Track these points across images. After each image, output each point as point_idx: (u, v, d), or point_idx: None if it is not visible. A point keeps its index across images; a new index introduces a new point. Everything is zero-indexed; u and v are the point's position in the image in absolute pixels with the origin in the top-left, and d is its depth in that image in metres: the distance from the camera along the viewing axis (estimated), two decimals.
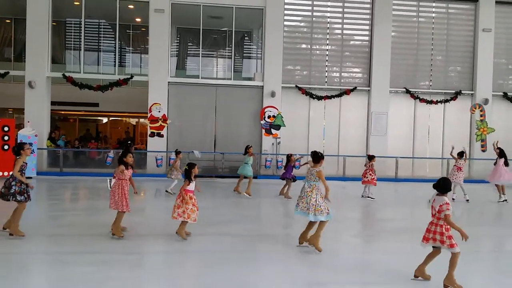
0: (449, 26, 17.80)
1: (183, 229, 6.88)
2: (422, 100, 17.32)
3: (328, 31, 17.46)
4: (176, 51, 17.93)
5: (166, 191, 11.50)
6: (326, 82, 17.37)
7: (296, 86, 16.92)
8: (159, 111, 15.94)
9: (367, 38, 17.40)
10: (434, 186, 5.30)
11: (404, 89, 17.33)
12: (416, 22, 17.73)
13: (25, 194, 6.71)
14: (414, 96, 17.32)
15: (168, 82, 16.27)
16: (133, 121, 24.32)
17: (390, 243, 7.38)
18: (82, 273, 5.32)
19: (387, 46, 17.03)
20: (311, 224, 6.56)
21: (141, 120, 22.70)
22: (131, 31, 18.57)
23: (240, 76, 17.94)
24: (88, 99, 18.85)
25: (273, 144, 16.48)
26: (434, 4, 17.71)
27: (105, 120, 24.13)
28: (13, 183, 6.62)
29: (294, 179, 11.59)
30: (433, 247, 5.26)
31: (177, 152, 11.82)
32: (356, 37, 17.70)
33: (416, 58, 17.69)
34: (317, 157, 6.49)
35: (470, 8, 17.78)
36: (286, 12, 16.97)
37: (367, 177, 11.66)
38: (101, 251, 6.20)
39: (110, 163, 14.75)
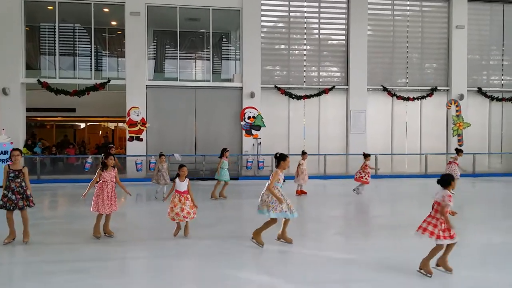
0: (423, 24, 18.11)
1: (188, 228, 7.23)
2: (399, 97, 17.57)
3: (305, 31, 17.57)
4: (154, 54, 17.77)
5: (156, 197, 11.33)
6: (305, 81, 17.47)
7: (275, 87, 16.98)
8: (138, 115, 15.78)
9: (343, 37, 17.56)
10: (438, 182, 5.53)
11: (381, 87, 17.56)
12: (391, 20, 17.98)
13: (3, 201, 6.66)
14: (391, 94, 17.56)
15: (146, 85, 16.13)
16: (111, 125, 24.01)
17: (372, 240, 7.45)
18: (64, 282, 5.21)
19: (364, 45, 17.23)
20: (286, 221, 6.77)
21: (120, 124, 22.45)
22: (107, 35, 18.36)
23: (219, 77, 17.92)
24: (64, 105, 18.54)
25: (253, 144, 16.49)
26: (408, 3, 17.99)
27: (82, 125, 23.77)
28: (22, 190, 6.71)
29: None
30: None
31: (161, 155, 11.55)
32: (333, 37, 17.84)
33: (392, 56, 17.94)
34: (278, 159, 6.67)
35: (443, 6, 18.12)
36: (263, 13, 17.01)
37: (357, 175, 11.77)
38: (82, 259, 6.09)
39: (88, 168, 14.54)
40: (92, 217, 6.84)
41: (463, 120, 17.71)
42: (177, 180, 7.14)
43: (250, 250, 6.61)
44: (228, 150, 11.70)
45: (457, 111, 17.72)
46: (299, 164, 11.99)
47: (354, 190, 11.88)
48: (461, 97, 17.71)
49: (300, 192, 12.00)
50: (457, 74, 17.79)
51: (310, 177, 12.24)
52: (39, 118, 21.40)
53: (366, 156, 11.96)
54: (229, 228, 8.11)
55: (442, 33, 18.07)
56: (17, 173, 6.71)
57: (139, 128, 15.81)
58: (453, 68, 17.78)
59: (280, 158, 6.65)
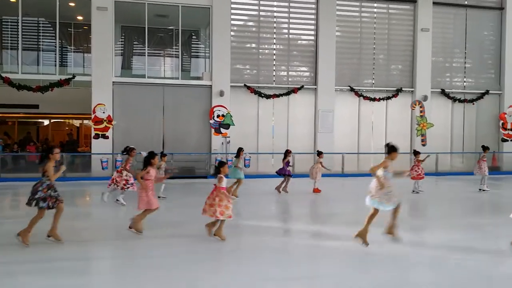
0: (390, 26, 18.52)
1: (222, 229, 6.87)
2: (365, 98, 17.91)
3: (275, 31, 17.66)
4: (121, 50, 17.46)
5: (159, 196, 11.05)
6: (274, 81, 17.56)
7: (245, 85, 16.99)
8: (104, 112, 15.46)
9: (313, 37, 17.75)
10: None
11: (349, 87, 17.86)
12: (359, 22, 18.30)
13: (49, 202, 6.40)
14: (358, 94, 17.88)
15: (113, 82, 15.82)
16: (76, 122, 23.43)
17: (340, 236, 7.57)
18: (28, 283, 5.07)
19: (332, 46, 17.47)
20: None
21: (85, 121, 21.93)
22: (72, 30, 17.89)
23: (188, 75, 17.78)
24: (27, 101, 17.91)
25: (222, 143, 16.45)
26: (375, 5, 18.35)
27: (46, 122, 23.08)
28: (40, 188, 6.40)
29: (291, 175, 12.05)
30: None
31: (163, 155, 11.34)
32: (302, 37, 18.01)
33: (359, 57, 18.26)
34: (389, 149, 6.83)
35: (409, 9, 18.57)
36: (233, 11, 16.98)
37: (412, 174, 12.18)
38: (46, 259, 5.93)
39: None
40: (51, 217, 6.63)
41: (426, 121, 18.22)
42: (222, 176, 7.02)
43: (221, 247, 6.60)
44: (243, 150, 11.66)
45: (421, 111, 18.21)
46: (317, 163, 12.28)
47: (413, 191, 12.33)
48: (425, 98, 18.21)
49: (316, 190, 12.23)
50: (422, 75, 18.28)
51: (278, 176, 12.32)
52: (0, 115, 20.65)
53: (416, 153, 12.52)
54: (202, 227, 8.02)
55: (407, 35, 18.52)
56: None
57: (105, 125, 15.49)
58: (417, 69, 18.26)
59: (393, 149, 6.74)
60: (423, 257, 6.34)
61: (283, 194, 11.96)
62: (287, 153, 12.20)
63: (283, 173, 12.05)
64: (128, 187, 9.83)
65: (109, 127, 15.56)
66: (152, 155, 7.30)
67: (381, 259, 6.14)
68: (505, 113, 19.00)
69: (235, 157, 11.72)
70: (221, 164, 7.17)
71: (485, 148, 12.91)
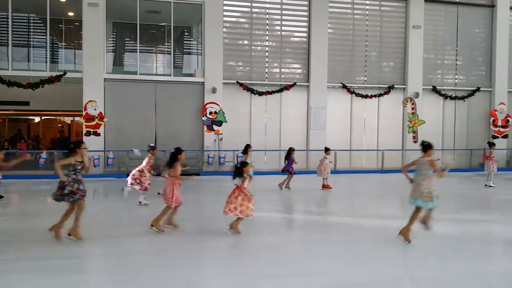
0: (382, 23, 18.56)
1: (238, 224, 7.01)
2: (357, 95, 17.96)
3: (267, 28, 17.64)
4: (113, 46, 17.35)
5: (159, 193, 10.97)
6: (266, 78, 17.55)
7: (237, 82, 16.96)
8: (95, 109, 15.36)
9: (305, 34, 17.75)
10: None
11: (341, 84, 17.89)
12: (351, 19, 18.33)
13: (77, 194, 6.40)
14: (350, 91, 17.93)
15: (104, 78, 15.72)
16: (67, 119, 23.25)
17: (335, 235, 7.60)
18: (19, 281, 5.03)
19: (324, 43, 17.48)
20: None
21: (76, 118, 21.76)
22: (63, 26, 17.77)
23: (180, 72, 17.72)
24: (17, 98, 17.73)
25: (215, 140, 16.42)
26: (367, 2, 18.39)
27: (37, 119, 22.89)
28: (66, 183, 6.37)
29: (293, 172, 12.21)
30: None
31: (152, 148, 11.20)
32: (295, 34, 18.00)
33: (351, 54, 18.30)
34: (425, 147, 6.72)
35: (401, 6, 18.62)
36: (225, 7, 16.92)
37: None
38: (37, 257, 5.88)
39: (43, 164, 14.03)
40: (44, 214, 6.61)
41: (418, 118, 18.33)
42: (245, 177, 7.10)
43: (211, 244, 6.60)
44: (251, 146, 11.85)
45: (412, 108, 18.31)
46: (323, 159, 12.48)
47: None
48: (417, 95, 18.31)
49: (326, 186, 12.41)
50: (413, 73, 18.36)
51: (270, 173, 12.34)
52: None
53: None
54: (192, 224, 8.01)
55: (399, 32, 18.59)
56: None
57: (97, 122, 15.39)
58: (409, 67, 18.34)
59: (429, 147, 6.74)
60: (421, 252, 6.40)
61: (285, 191, 12.04)
62: (291, 151, 12.36)
63: (286, 169, 12.26)
64: (146, 188, 9.64)
65: (100, 124, 15.47)
66: (179, 151, 7.34)
67: (378, 255, 6.17)
68: (496, 110, 19.15)
69: (243, 153, 11.90)
70: (244, 164, 7.24)
71: (491, 144, 13.14)
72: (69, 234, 6.53)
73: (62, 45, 17.60)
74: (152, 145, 10.10)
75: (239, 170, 7.02)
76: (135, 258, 6.00)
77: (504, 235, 7.59)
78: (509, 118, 19.18)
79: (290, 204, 10.95)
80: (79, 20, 15.76)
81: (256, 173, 12.25)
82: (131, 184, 9.64)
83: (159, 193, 9.90)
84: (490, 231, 8.03)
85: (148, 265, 5.69)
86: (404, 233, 6.65)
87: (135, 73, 16.46)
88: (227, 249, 6.64)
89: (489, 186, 13.16)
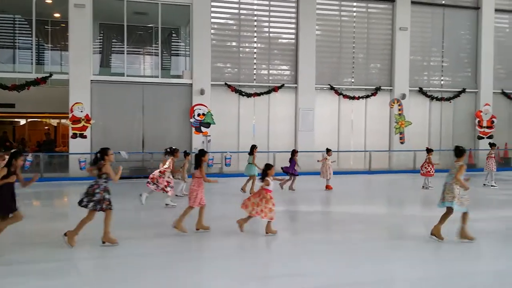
0: (369, 25, 18.70)
1: (270, 226, 7.18)
2: (345, 96, 18.06)
3: (255, 29, 17.66)
4: (99, 48, 17.23)
5: (176, 195, 10.91)
6: (255, 79, 17.56)
7: (226, 84, 16.95)
8: (82, 111, 15.23)
9: (293, 36, 17.80)
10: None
11: (329, 86, 17.98)
12: (339, 21, 18.44)
13: (102, 205, 6.39)
14: (338, 93, 18.02)
15: (91, 80, 15.59)
16: (54, 122, 23.00)
17: (322, 236, 7.63)
18: (8, 284, 4.99)
19: (312, 44, 17.55)
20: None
21: (63, 120, 21.55)
22: (49, 27, 17.59)
23: (168, 73, 17.64)
24: (3, 100, 17.53)
25: (203, 142, 16.37)
26: (355, 4, 18.51)
27: (23, 121, 22.62)
28: (97, 190, 6.37)
29: (296, 174, 12.37)
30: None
31: (186, 154, 11.46)
32: (283, 35, 18.04)
33: (339, 56, 18.40)
34: (459, 152, 7.01)
35: (388, 8, 18.78)
36: (213, 9, 16.90)
37: (422, 170, 13.05)
38: (21, 261, 5.83)
39: (28, 167, 13.86)
40: (31, 218, 6.53)
41: (404, 119, 18.48)
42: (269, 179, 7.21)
43: (204, 246, 6.58)
44: (257, 147, 12.12)
45: (399, 110, 18.46)
46: (324, 160, 12.79)
47: (423, 186, 13.03)
48: (403, 96, 18.46)
49: (327, 187, 12.70)
50: (400, 74, 18.52)
51: (259, 174, 12.30)
52: None
53: (429, 151, 13.07)
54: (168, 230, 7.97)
55: (386, 34, 18.74)
56: None
57: (83, 124, 15.25)
58: (396, 68, 18.49)
59: (464, 151, 7.05)
60: (408, 253, 6.46)
61: (289, 193, 12.15)
62: (294, 153, 12.52)
63: (289, 171, 12.36)
64: (167, 190, 9.62)
65: (87, 126, 15.33)
66: (203, 152, 7.46)
67: (365, 257, 6.22)
68: (481, 111, 19.41)
69: (249, 154, 12.04)
70: (268, 166, 7.31)
71: (492, 145, 13.39)
72: (103, 242, 6.51)
73: (48, 47, 17.42)
74: (173, 147, 10.05)
75: (264, 172, 7.22)
76: (124, 260, 5.98)
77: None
78: (494, 119, 19.44)
79: (292, 204, 10.94)
80: (66, 21, 15.63)
81: (245, 175, 12.24)
82: (147, 182, 9.69)
83: (166, 204, 9.90)
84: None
85: (137, 266, 5.68)
86: (436, 232, 6.91)
87: (122, 74, 16.36)
88: (223, 249, 6.62)
89: (491, 186, 13.60)
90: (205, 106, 16.44)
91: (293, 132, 17.64)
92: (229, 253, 6.49)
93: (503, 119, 19.94)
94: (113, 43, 17.51)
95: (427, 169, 12.95)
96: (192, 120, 16.35)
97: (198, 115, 16.37)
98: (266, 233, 7.20)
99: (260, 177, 7.37)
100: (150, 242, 6.88)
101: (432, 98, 19.07)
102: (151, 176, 9.67)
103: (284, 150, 16.98)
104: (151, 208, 9.89)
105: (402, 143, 18.38)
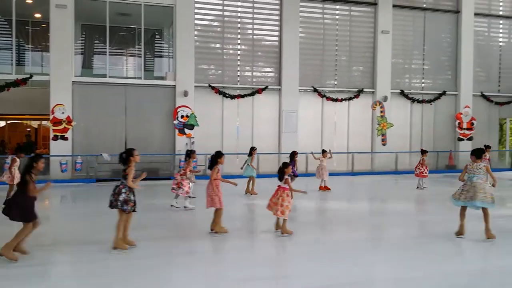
0: (351, 28, 18.88)
1: (285, 226, 7.28)
2: (328, 98, 18.20)
3: (239, 31, 17.68)
4: (81, 49, 17.03)
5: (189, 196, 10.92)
6: (238, 81, 17.58)
7: (209, 86, 16.93)
8: (63, 113, 15.04)
9: (277, 38, 17.88)
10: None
11: (312, 88, 18.10)
12: (322, 23, 18.58)
13: (129, 206, 6.34)
14: (321, 95, 18.15)
15: (73, 81, 15.42)
16: (34, 124, 22.66)
17: (301, 237, 7.68)
18: None
19: (296, 47, 17.65)
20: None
21: (44, 122, 21.25)
22: (30, 28, 17.32)
23: (151, 75, 17.54)
24: None
25: (187, 144, 16.32)
26: (337, 7, 18.68)
27: (2, 123, 22.23)
28: (123, 190, 6.30)
29: (296, 175, 12.42)
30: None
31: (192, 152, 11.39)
32: (266, 37, 18.09)
33: (322, 58, 18.54)
34: (480, 153, 7.30)
35: (370, 11, 19.00)
36: (196, 10, 16.88)
37: (416, 171, 13.42)
38: (1, 266, 5.72)
39: (6, 170, 13.59)
40: (9, 224, 6.42)
41: (386, 121, 18.70)
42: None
43: (185, 249, 6.56)
44: (256, 149, 12.35)
45: (381, 112, 18.67)
46: (320, 161, 13.06)
47: (417, 187, 13.34)
48: (385, 98, 18.69)
49: (324, 188, 12.94)
50: (382, 77, 18.74)
51: (243, 176, 12.36)
52: None
53: (424, 152, 13.41)
54: (163, 231, 7.93)
55: (368, 37, 18.95)
56: None
57: (64, 126, 15.06)
58: (378, 71, 18.71)
59: (482, 151, 7.40)
60: (388, 253, 6.54)
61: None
62: (294, 154, 12.62)
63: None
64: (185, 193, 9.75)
65: (68, 128, 15.15)
66: (220, 154, 7.53)
67: (350, 257, 6.28)
68: (461, 113, 19.75)
69: (248, 155, 12.23)
70: (285, 165, 7.44)
71: (486, 147, 13.67)
72: (115, 248, 6.36)
73: (28, 47, 17.15)
74: (192, 149, 10.14)
75: (280, 171, 7.34)
76: (102, 264, 5.92)
77: None
78: (473, 121, 19.80)
79: (255, 209, 10.95)
80: (47, 22, 15.42)
81: (228, 176, 12.23)
82: (172, 188, 9.75)
83: (171, 205, 9.89)
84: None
85: (115, 270, 5.62)
86: (488, 235, 7.16)
87: (104, 76, 16.20)
88: (205, 253, 6.61)
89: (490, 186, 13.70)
90: (189, 108, 16.40)
91: (277, 134, 17.71)
92: (210, 255, 6.49)
93: (482, 121, 20.33)
94: (95, 44, 17.34)
95: (420, 170, 13.28)
96: (175, 122, 16.28)
97: (182, 117, 16.31)
98: (282, 233, 7.29)
99: (278, 176, 7.45)
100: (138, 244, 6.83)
101: (413, 100, 19.35)
102: (174, 182, 9.79)
103: (268, 152, 17.11)
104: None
105: (384, 144, 18.60)
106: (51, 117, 15.02)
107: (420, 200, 12.31)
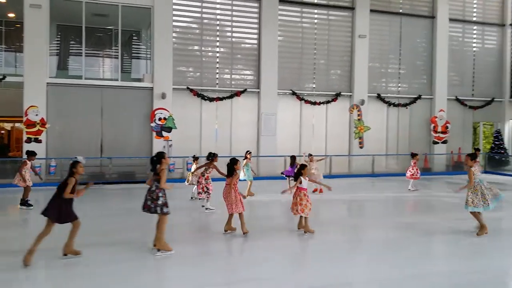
0: (330, 32, 19.06)
1: (307, 225, 7.76)
2: (307, 102, 18.32)
3: (218, 34, 17.63)
4: (57, 50, 16.72)
5: (192, 198, 11.31)
6: (217, 84, 17.53)
7: (188, 88, 16.83)
8: (37, 115, 14.72)
9: (256, 41, 17.91)
10: None
11: (291, 91, 18.19)
12: (300, 27, 18.70)
13: (168, 206, 6.49)
14: (299, 98, 18.25)
15: (47, 83, 15.12)
16: (7, 126, 22.11)
17: (276, 242, 7.69)
18: None
19: (275, 50, 17.71)
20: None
21: (17, 124, 20.75)
22: (3, 28, 16.94)
23: (128, 77, 17.33)
24: None
25: (164, 146, 16.17)
26: (316, 11, 18.83)
27: None
28: (160, 194, 6.40)
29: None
30: None
31: (195, 158, 12.01)
32: (245, 40, 18.09)
33: (301, 62, 18.65)
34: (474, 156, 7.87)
35: (347, 15, 19.21)
36: (175, 12, 16.77)
37: (408, 173, 13.75)
38: None
39: None
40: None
41: (363, 124, 18.94)
42: (302, 178, 7.78)
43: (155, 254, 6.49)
44: (250, 152, 12.51)
45: (358, 115, 18.90)
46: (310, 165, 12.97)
47: (409, 189, 13.70)
48: (362, 102, 18.92)
49: (315, 190, 13.16)
50: (359, 80, 18.97)
51: (221, 180, 12.28)
52: None
53: (414, 155, 13.80)
54: (138, 235, 7.82)
55: (346, 41, 19.15)
56: None
57: (38, 129, 14.74)
58: (355, 75, 18.93)
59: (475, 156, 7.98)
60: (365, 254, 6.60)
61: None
62: (294, 158, 13.10)
63: (290, 175, 12.76)
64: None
65: (42, 131, 14.83)
66: (235, 161, 7.80)
67: (325, 260, 6.31)
68: (436, 117, 20.14)
69: (244, 159, 12.33)
70: (303, 167, 7.91)
71: (477, 150, 14.15)
72: (155, 245, 6.56)
73: (1, 48, 16.75)
74: (214, 152, 10.11)
75: (298, 172, 7.84)
76: (76, 269, 5.81)
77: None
78: (448, 125, 20.22)
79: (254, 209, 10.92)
80: (21, 22, 15.08)
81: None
82: (199, 193, 10.01)
83: (207, 209, 10.08)
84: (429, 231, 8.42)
85: (90, 275, 5.53)
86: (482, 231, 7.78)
87: (80, 77, 15.93)
88: (175, 257, 6.55)
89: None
90: (167, 110, 16.27)
91: (256, 137, 17.71)
92: (188, 260, 6.44)
93: (457, 124, 20.79)
94: (71, 45, 17.05)
95: (411, 172, 13.64)
96: (153, 124, 16.13)
97: (159, 119, 16.17)
98: (304, 232, 7.74)
99: (294, 177, 8.00)
100: (103, 251, 6.72)
101: (389, 104, 19.64)
102: (200, 187, 10.00)
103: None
104: (110, 215, 9.69)
105: (361, 147, 18.82)
106: (24, 119, 14.68)
107: (400, 201, 12.49)
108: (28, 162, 10.49)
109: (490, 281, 5.73)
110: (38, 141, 14.76)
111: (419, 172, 13.75)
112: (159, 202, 6.35)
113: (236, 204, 7.57)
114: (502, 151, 18.98)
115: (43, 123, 14.80)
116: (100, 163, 15.65)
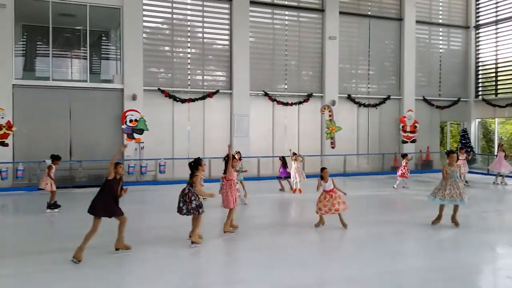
0: (300, 34, 19.24)
1: (343, 219, 8.39)
2: (279, 102, 18.43)
3: (189, 34, 17.53)
4: (23, 51, 16.23)
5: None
6: (189, 85, 17.42)
7: (159, 89, 16.67)
8: (2, 117, 14.27)
9: (227, 42, 17.89)
10: None
11: (263, 92, 18.27)
12: (272, 28, 18.80)
13: (202, 207, 7.01)
14: (272, 99, 18.35)
15: (13, 84, 14.68)
16: None
17: (255, 239, 7.72)
18: None
19: (246, 51, 17.74)
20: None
21: None
22: None
23: (98, 78, 17.00)
24: None
25: (136, 149, 15.97)
26: (287, 13, 18.98)
27: None
28: (193, 198, 6.87)
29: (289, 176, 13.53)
30: None
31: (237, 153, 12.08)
32: (217, 41, 18.05)
33: (272, 63, 18.76)
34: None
35: (318, 17, 19.45)
36: (145, 13, 16.59)
37: (398, 172, 14.48)
38: None
39: None
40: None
41: (335, 124, 19.21)
42: (322, 181, 8.26)
43: (130, 257, 6.41)
44: (238, 152, 12.31)
45: (330, 115, 19.16)
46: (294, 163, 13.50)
47: (403, 187, 14.51)
48: (333, 103, 19.18)
49: (295, 190, 13.57)
50: (330, 81, 19.22)
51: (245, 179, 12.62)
52: None
53: (404, 156, 14.59)
54: (111, 238, 7.68)
55: (316, 43, 19.38)
56: None
57: (4, 132, 14.28)
58: (326, 76, 19.17)
59: (451, 152, 8.76)
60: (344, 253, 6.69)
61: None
62: (285, 159, 13.64)
63: (283, 176, 13.57)
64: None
65: (8, 134, 14.38)
66: (232, 157, 8.06)
67: (297, 260, 6.36)
68: (405, 117, 20.63)
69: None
70: (322, 170, 8.40)
71: (462, 149, 15.40)
72: (190, 240, 7.10)
73: None
74: (238, 151, 10.75)
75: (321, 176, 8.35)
76: (40, 275, 5.67)
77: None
78: (416, 124, 20.75)
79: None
80: None
81: (179, 181, 12.13)
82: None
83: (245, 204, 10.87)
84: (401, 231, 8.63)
85: (52, 280, 5.40)
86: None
87: (47, 78, 15.53)
88: (142, 261, 6.49)
89: (497, 184, 15.75)
90: (138, 112, 16.06)
91: (229, 138, 17.69)
92: (161, 262, 6.39)
93: (425, 124, 21.35)
94: (37, 46, 16.58)
95: (402, 171, 14.30)
96: (123, 126, 15.89)
97: (130, 121, 15.95)
98: (344, 225, 8.32)
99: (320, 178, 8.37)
100: (66, 256, 6.58)
101: (359, 104, 19.99)
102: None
103: (220, 157, 16.98)
104: (77, 220, 9.47)
105: (333, 147, 19.08)
106: None
107: (372, 200, 12.72)
108: (53, 166, 10.58)
109: (459, 276, 5.92)
110: (4, 144, 14.31)
111: (408, 171, 14.48)
112: (193, 205, 6.85)
113: (229, 200, 7.85)
114: (469, 150, 19.61)
115: (9, 126, 14.35)
116: (69, 166, 15.28)
